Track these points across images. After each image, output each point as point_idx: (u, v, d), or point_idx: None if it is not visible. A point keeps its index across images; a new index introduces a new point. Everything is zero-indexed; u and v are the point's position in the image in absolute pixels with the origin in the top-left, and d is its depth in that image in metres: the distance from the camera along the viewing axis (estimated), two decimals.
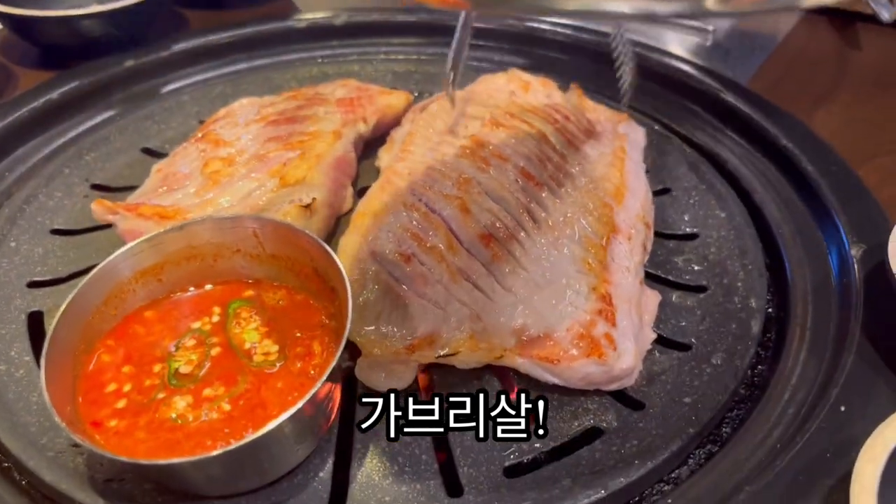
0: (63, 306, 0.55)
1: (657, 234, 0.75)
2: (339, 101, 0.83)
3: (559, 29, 1.06)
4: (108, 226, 0.78)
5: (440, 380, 0.63)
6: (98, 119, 0.95)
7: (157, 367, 0.56)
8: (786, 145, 0.83)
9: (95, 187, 0.85)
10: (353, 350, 0.63)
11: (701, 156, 0.87)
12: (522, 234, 0.66)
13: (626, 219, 0.69)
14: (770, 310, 0.71)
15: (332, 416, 0.57)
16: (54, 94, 0.92)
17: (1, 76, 1.02)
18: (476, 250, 0.64)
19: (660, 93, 0.97)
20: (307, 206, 0.68)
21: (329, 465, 0.57)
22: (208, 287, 0.62)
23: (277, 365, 0.56)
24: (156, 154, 0.90)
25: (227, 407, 0.53)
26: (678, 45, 1.09)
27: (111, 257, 0.58)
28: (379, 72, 1.04)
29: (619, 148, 0.78)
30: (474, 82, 0.90)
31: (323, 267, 0.58)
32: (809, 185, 0.79)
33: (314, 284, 0.60)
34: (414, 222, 0.65)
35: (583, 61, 1.02)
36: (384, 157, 0.81)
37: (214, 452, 0.47)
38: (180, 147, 0.80)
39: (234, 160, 0.72)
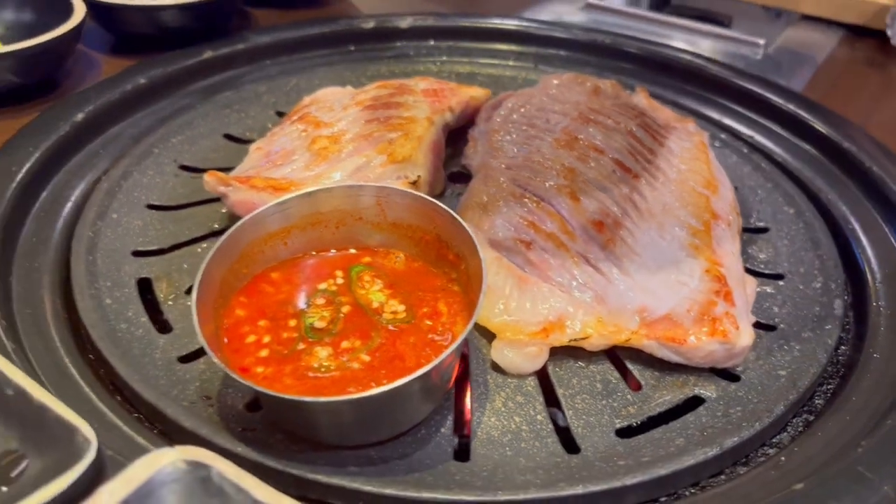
0: (205, 262, 0.57)
1: None
2: (425, 92, 0.87)
3: (609, 36, 1.11)
4: (200, 202, 0.82)
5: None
6: (180, 104, 0.97)
7: (291, 322, 0.58)
8: (848, 148, 0.88)
9: (183, 168, 0.88)
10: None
11: (764, 158, 0.91)
12: (629, 221, 0.70)
13: (723, 207, 0.73)
14: (846, 297, 0.74)
15: (453, 380, 0.60)
16: (142, 79, 0.95)
17: (84, 62, 1.05)
18: (590, 236, 0.68)
19: (719, 101, 1.01)
20: (413, 183, 0.71)
21: (449, 422, 0.59)
22: (328, 253, 0.65)
23: (409, 323, 0.58)
24: (237, 140, 0.93)
25: (366, 358, 0.55)
26: (730, 57, 1.14)
27: (247, 218, 0.61)
28: (443, 72, 1.08)
29: (699, 143, 0.82)
30: (544, 79, 0.94)
31: (447, 234, 0.61)
32: (875, 184, 0.83)
33: (434, 251, 0.63)
34: (528, 211, 0.68)
35: (642, 70, 1.07)
36: (473, 155, 0.84)
37: (368, 393, 0.49)
38: (276, 128, 0.83)
39: (339, 139, 0.75)
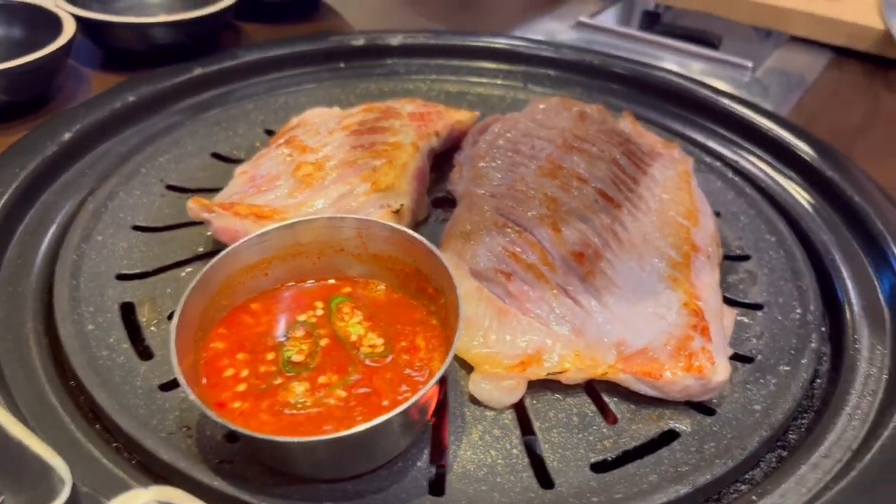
0: (185, 295, 0.57)
1: None
2: (411, 116, 0.87)
3: (598, 56, 1.11)
4: (185, 224, 0.82)
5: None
6: (169, 122, 0.98)
7: (270, 356, 0.59)
8: (831, 177, 0.89)
9: (170, 188, 0.88)
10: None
11: (748, 183, 0.91)
12: (609, 252, 0.70)
13: (703, 238, 0.74)
14: (824, 328, 0.75)
15: (431, 412, 0.61)
16: (131, 97, 0.95)
17: (74, 78, 1.05)
18: (570, 268, 0.68)
19: (705, 124, 1.02)
20: (396, 212, 0.72)
21: (426, 456, 0.60)
22: (309, 283, 0.66)
23: (387, 358, 0.59)
24: (225, 159, 0.94)
25: (342, 394, 0.56)
26: (718, 80, 1.15)
27: (227, 251, 0.61)
28: (433, 91, 1.08)
29: (683, 171, 0.82)
30: (531, 103, 0.94)
31: (427, 268, 0.62)
32: (855, 214, 0.84)
33: (413, 283, 0.64)
34: (509, 241, 0.69)
35: (630, 91, 1.08)
36: (458, 181, 0.84)
37: (343, 433, 0.50)
38: (263, 151, 0.83)
39: (323, 165, 0.76)
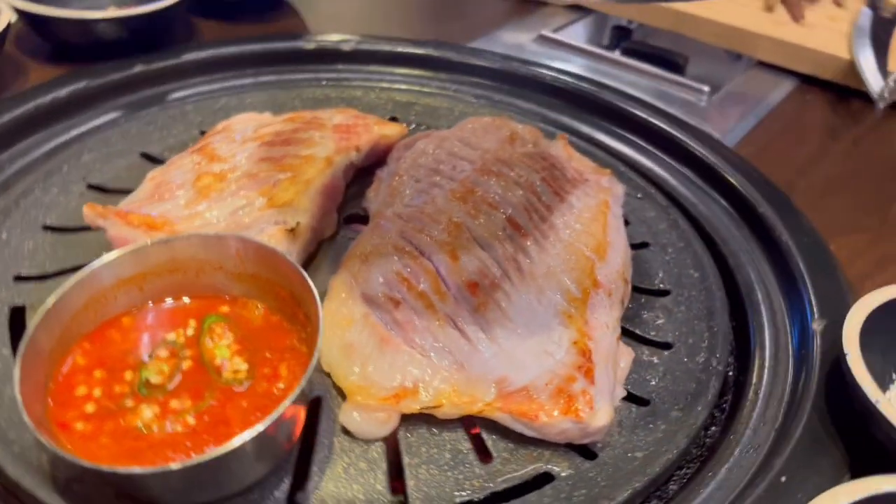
0: (44, 308, 0.56)
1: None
2: (336, 127, 0.86)
3: (551, 72, 1.09)
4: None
5: None
6: (102, 120, 0.97)
7: (128, 375, 0.58)
8: (763, 213, 0.86)
9: (92, 187, 0.87)
10: (320, 379, 0.66)
11: (682, 214, 0.89)
12: (508, 283, 0.68)
13: (608, 274, 0.72)
14: (731, 373, 0.73)
15: (295, 439, 0.59)
16: (62, 92, 0.94)
17: (12, 68, 1.04)
18: (463, 298, 0.66)
19: (648, 148, 1.00)
20: (291, 230, 0.70)
21: (286, 485, 0.58)
22: (186, 300, 0.64)
23: (245, 384, 0.57)
24: (154, 160, 0.92)
25: (191, 421, 0.55)
26: (672, 103, 1.12)
27: (95, 264, 0.60)
28: (381, 99, 1.06)
29: (602, 202, 0.80)
30: (462, 122, 0.92)
31: (299, 293, 0.60)
32: (782, 255, 0.81)
33: (289, 308, 0.62)
34: (405, 266, 0.67)
35: (578, 110, 1.05)
36: (373, 198, 0.83)
37: (174, 466, 0.49)
38: (176, 157, 0.82)
39: (225, 176, 0.74)
